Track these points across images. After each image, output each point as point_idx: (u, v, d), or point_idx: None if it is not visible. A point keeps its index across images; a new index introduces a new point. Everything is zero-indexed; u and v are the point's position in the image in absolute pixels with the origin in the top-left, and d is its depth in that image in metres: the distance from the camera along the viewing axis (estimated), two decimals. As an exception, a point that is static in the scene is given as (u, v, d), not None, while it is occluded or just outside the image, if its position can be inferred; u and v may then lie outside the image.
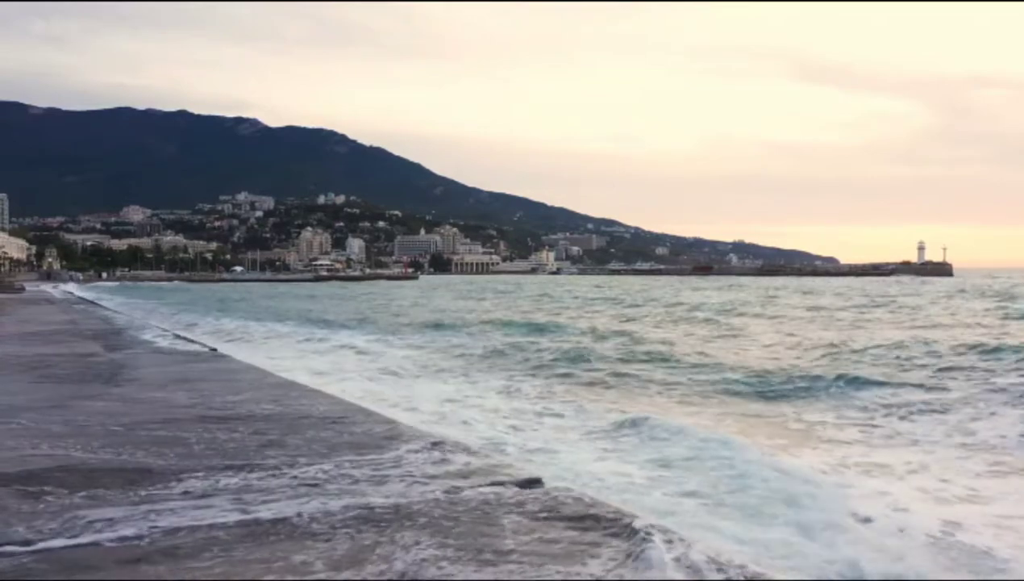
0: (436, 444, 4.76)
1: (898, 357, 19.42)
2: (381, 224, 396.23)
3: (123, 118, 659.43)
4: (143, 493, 3.77)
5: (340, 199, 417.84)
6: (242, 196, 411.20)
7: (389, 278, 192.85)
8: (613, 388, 15.79)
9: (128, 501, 3.64)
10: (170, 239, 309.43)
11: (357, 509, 3.46)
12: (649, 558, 2.76)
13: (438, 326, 32.83)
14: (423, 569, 2.76)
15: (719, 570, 2.67)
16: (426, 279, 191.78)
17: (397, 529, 3.17)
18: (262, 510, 3.46)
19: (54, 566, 2.84)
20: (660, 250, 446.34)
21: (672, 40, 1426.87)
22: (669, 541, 2.91)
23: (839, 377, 15.75)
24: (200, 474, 4.11)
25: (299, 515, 3.36)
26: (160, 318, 32.62)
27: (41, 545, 3.05)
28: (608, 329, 30.04)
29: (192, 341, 14.42)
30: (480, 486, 3.80)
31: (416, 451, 4.57)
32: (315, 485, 3.87)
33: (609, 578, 2.66)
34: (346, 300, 66.17)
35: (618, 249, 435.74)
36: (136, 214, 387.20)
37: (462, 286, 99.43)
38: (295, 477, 4.04)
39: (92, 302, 38.12)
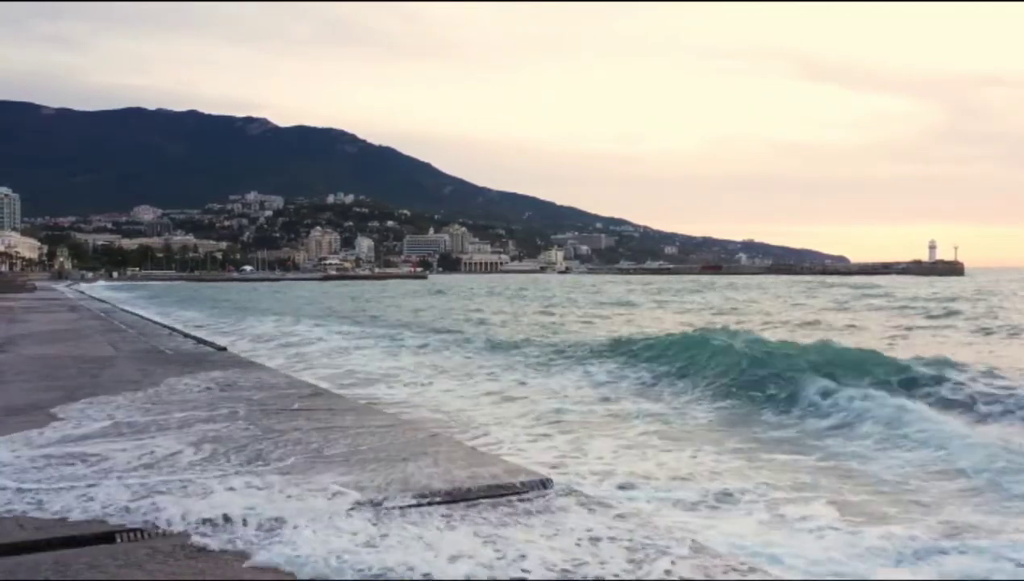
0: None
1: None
2: (390, 223, 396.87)
3: (133, 118, 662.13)
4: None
5: (349, 198, 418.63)
6: (251, 196, 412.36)
7: (398, 277, 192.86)
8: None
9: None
10: (180, 239, 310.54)
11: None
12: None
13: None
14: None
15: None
16: (435, 278, 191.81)
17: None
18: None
19: (55, 566, 2.85)
20: (669, 249, 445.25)
21: (676, 40, 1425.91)
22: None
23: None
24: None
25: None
26: (171, 319, 32.71)
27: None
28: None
29: (201, 340, 14.45)
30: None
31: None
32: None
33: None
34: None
35: (627, 248, 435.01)
36: (146, 214, 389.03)
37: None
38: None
39: (102, 301, 38.33)
